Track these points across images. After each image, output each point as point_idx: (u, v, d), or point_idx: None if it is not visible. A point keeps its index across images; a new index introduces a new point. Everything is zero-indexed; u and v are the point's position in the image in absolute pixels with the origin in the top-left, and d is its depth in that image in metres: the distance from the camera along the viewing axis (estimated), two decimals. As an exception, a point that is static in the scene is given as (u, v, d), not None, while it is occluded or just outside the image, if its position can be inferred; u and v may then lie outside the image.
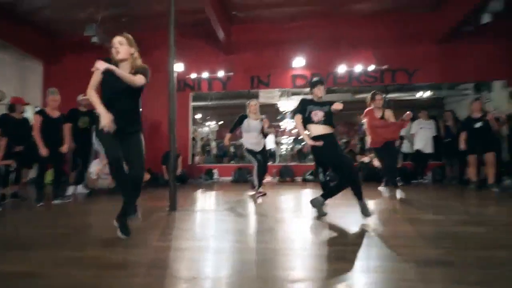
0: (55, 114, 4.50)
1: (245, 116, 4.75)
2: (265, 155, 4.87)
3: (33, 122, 4.41)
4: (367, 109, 4.51)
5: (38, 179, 4.40)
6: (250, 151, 4.70)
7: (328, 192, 3.33)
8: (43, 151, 4.20)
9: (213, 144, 11.47)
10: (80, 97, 5.69)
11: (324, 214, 3.29)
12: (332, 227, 2.94)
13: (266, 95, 7.69)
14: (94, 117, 5.70)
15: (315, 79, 3.43)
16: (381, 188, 4.60)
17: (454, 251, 2.15)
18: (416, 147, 6.61)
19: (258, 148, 4.71)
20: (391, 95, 7.91)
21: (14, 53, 7.85)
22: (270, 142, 8.84)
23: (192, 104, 8.11)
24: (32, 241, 2.56)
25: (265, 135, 4.89)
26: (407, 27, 7.00)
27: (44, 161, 4.31)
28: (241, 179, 6.96)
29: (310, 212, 3.47)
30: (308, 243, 2.49)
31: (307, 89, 8.21)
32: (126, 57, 2.49)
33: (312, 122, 3.20)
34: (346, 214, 3.41)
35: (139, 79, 2.44)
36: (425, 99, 9.19)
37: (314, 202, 3.34)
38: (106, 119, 2.35)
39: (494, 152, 5.18)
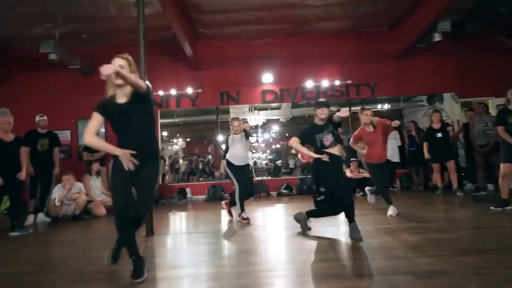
0: (9, 137, 4.09)
1: (228, 136, 4.48)
2: (248, 174, 4.45)
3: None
4: (359, 128, 4.39)
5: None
6: (231, 167, 4.34)
7: (316, 212, 3.28)
8: None
9: (181, 162, 11.16)
10: (38, 118, 5.30)
11: (309, 229, 3.27)
12: (315, 243, 2.92)
13: (236, 111, 7.67)
14: (54, 139, 5.39)
15: (320, 100, 3.36)
16: (369, 198, 4.52)
17: (442, 258, 2.21)
18: (383, 156, 6.89)
19: (241, 163, 4.34)
20: (354, 108, 8.25)
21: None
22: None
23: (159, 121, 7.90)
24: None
25: (247, 136, 4.42)
26: (368, 44, 7.39)
27: None
28: (215, 197, 6.78)
29: (291, 227, 3.42)
30: (293, 262, 2.43)
31: (276, 104, 8.52)
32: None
33: (325, 147, 3.13)
34: (326, 228, 3.42)
35: (142, 82, 2.17)
36: (386, 111, 9.72)
37: (298, 217, 3.31)
38: (125, 157, 2.09)
39: (454, 160, 5.52)
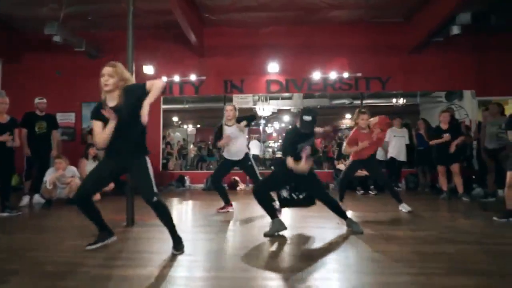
0: (3, 119, 4.12)
1: (220, 128, 4.32)
2: (247, 167, 4.31)
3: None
4: (352, 131, 4.29)
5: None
6: (225, 161, 4.33)
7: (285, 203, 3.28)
8: None
9: (191, 147, 11.15)
10: (37, 100, 5.32)
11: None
12: (311, 246, 2.77)
13: (240, 100, 7.49)
14: (52, 121, 5.40)
15: (308, 107, 3.20)
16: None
17: (420, 278, 2.02)
18: (390, 154, 6.61)
19: (235, 157, 4.27)
20: (367, 101, 7.92)
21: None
22: (254, 147, 8.65)
23: (167, 106, 7.84)
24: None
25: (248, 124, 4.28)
26: (380, 36, 7.03)
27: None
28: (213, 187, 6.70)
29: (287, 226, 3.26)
30: (288, 270, 2.29)
31: (283, 94, 8.28)
32: (114, 88, 2.44)
33: (299, 159, 3.00)
34: (322, 228, 3.26)
35: (161, 83, 2.43)
36: (400, 106, 9.30)
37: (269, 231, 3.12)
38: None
39: (459, 163, 5.20)
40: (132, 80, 2.61)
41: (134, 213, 3.56)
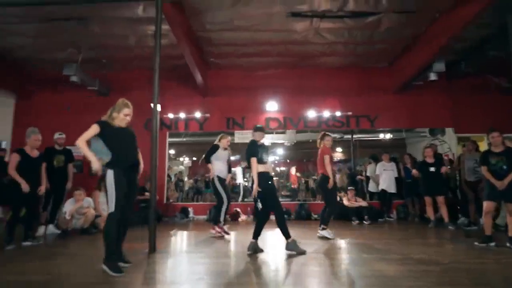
0: (35, 153, 4.50)
1: (217, 146, 5.17)
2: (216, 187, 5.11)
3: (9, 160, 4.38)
4: (326, 149, 4.95)
5: (12, 219, 4.27)
6: (220, 180, 5.01)
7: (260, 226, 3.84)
8: (25, 187, 4.16)
9: (186, 179, 11.44)
10: (57, 136, 5.72)
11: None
12: (312, 268, 3.17)
13: (241, 136, 8.04)
14: (69, 155, 5.78)
15: (257, 126, 4.02)
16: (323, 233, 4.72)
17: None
18: (381, 187, 7.14)
19: (224, 176, 5.09)
20: (357, 136, 8.56)
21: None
22: (239, 176, 9.08)
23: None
24: (14, 286, 2.56)
25: (228, 166, 5.24)
26: (368, 79, 7.85)
27: (20, 200, 4.24)
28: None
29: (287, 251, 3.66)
30: (289, 283, 2.68)
31: (280, 130, 8.89)
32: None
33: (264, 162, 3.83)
34: (314, 252, 3.66)
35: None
36: (388, 140, 9.97)
37: (288, 247, 3.66)
38: (96, 164, 2.82)
39: (444, 195, 5.76)
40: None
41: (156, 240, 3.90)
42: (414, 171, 6.07)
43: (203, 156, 5.21)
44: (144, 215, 6.58)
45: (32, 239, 4.42)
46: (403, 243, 4.41)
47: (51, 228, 5.34)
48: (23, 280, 2.78)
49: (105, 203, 5.78)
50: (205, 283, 2.67)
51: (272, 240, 4.56)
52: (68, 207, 4.98)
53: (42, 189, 4.47)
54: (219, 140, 5.22)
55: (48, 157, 5.47)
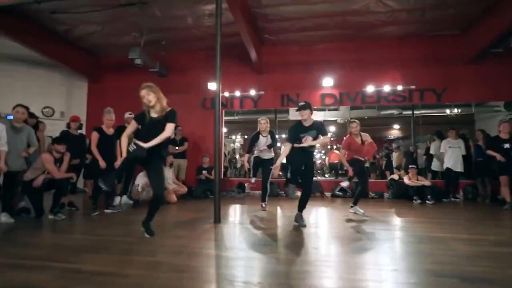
0: (110, 131, 4.98)
1: (256, 135, 5.29)
2: (267, 167, 5.24)
3: (91, 138, 4.89)
4: (347, 137, 4.84)
5: (95, 191, 4.84)
6: (256, 159, 5.27)
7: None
8: (102, 164, 4.66)
9: (237, 157, 11.78)
10: (127, 115, 6.21)
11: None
12: (363, 243, 3.15)
13: (295, 112, 7.95)
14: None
15: (300, 103, 3.91)
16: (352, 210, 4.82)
17: (492, 269, 2.32)
18: (446, 165, 6.65)
19: (264, 157, 5.25)
20: (419, 112, 7.99)
21: (63, 71, 8.63)
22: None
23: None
24: (110, 245, 2.96)
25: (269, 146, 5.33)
26: (435, 49, 7.18)
27: (101, 174, 4.75)
28: (272, 194, 7.18)
29: (335, 227, 3.65)
30: (336, 256, 2.70)
31: (333, 107, 8.64)
32: (156, 102, 3.12)
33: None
34: (379, 231, 3.60)
35: (169, 131, 3.05)
36: (454, 116, 9.17)
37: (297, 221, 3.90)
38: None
39: None
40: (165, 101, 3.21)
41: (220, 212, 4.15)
42: (497, 155, 5.41)
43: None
44: (205, 189, 7.08)
45: (113, 207, 4.97)
46: (475, 224, 4.13)
47: (125, 198, 5.93)
48: (123, 240, 3.20)
49: (169, 177, 6.27)
50: (259, 250, 2.81)
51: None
52: (140, 180, 5.46)
53: (117, 163, 4.92)
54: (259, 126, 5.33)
55: (120, 135, 6.01)
